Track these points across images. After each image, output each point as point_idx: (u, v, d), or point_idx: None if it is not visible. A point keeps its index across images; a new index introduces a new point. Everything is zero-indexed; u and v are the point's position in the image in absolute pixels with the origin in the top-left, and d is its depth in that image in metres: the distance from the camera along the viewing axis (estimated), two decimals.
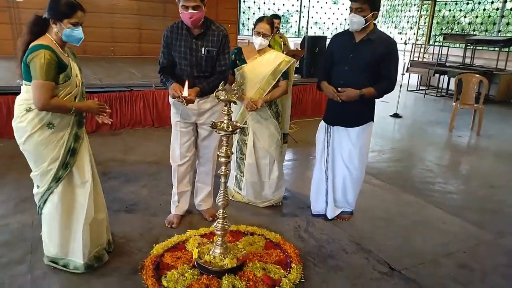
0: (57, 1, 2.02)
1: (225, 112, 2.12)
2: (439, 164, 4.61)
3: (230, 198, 3.24)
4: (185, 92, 2.30)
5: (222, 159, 2.20)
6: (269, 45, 3.08)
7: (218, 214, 2.30)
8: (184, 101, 2.39)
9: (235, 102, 2.17)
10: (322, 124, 2.97)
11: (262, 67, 2.93)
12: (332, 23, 12.68)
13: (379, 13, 2.76)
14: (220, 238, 2.33)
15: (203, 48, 2.56)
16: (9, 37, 7.39)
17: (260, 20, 2.92)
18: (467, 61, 9.37)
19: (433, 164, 4.56)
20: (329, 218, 3.02)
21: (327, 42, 6.77)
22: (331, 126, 2.91)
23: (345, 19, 12.75)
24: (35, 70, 1.95)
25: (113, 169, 3.84)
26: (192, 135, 2.80)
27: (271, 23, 2.91)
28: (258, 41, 2.88)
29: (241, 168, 3.14)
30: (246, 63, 2.96)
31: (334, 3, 12.71)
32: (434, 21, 10.70)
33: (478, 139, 5.70)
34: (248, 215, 3.03)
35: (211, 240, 2.52)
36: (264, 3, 11.40)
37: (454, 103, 6.10)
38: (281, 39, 5.33)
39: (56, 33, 2.04)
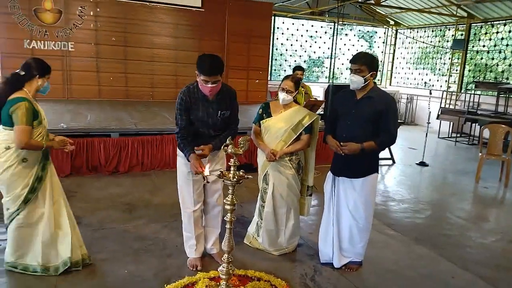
0: (41, 62, 2.70)
1: (231, 164, 2.34)
2: (459, 216, 4.55)
3: (248, 243, 3.41)
4: (207, 171, 2.51)
5: (228, 207, 2.39)
6: (295, 100, 3.32)
7: (223, 259, 2.46)
8: (204, 178, 2.60)
9: (240, 154, 2.38)
10: (329, 174, 3.13)
11: (284, 121, 3.16)
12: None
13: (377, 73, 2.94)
14: (224, 282, 2.48)
15: (218, 112, 2.82)
16: (60, 82, 8.16)
17: (286, 77, 3.21)
18: (500, 109, 9.23)
19: (453, 216, 4.52)
20: (336, 267, 3.10)
21: None
22: (336, 177, 3.06)
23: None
24: (17, 118, 2.51)
25: (140, 209, 4.12)
26: (202, 182, 3.03)
27: (296, 81, 3.18)
28: (282, 97, 3.15)
29: (262, 215, 3.31)
30: (271, 116, 3.22)
31: (370, 47, 13.00)
32: (467, 69, 10.69)
33: (505, 191, 5.57)
34: (259, 260, 3.16)
35: (218, 283, 2.67)
36: (296, 50, 11.87)
37: (480, 154, 6.03)
38: (303, 89, 5.60)
39: (36, 86, 2.67)
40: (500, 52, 9.84)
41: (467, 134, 9.75)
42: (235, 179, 2.31)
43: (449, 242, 3.76)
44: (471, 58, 10.64)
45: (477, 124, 8.98)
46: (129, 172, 5.39)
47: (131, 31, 8.59)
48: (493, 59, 10.04)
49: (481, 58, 10.36)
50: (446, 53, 11.41)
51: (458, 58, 10.83)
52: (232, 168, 2.34)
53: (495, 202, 5.19)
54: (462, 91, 10.55)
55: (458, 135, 9.67)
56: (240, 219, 3.98)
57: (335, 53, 10.66)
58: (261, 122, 3.27)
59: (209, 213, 3.13)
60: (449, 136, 9.87)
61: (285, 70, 11.77)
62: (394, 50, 12.97)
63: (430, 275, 3.11)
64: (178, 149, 2.95)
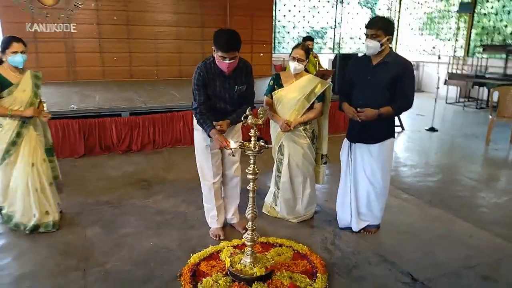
0: (3, 39, 3.01)
1: (252, 134, 2.37)
2: (471, 178, 4.60)
3: (266, 212, 3.48)
4: (233, 145, 2.50)
5: (250, 176, 2.44)
6: (306, 69, 3.31)
7: (248, 226, 2.53)
8: (232, 152, 2.58)
9: (260, 125, 2.41)
10: (345, 141, 3.16)
11: (296, 91, 3.17)
12: (359, 38, 12.73)
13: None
14: (249, 249, 2.56)
15: (235, 87, 2.82)
16: (64, 65, 8.14)
17: (295, 46, 3.19)
18: (509, 71, 9.12)
19: (466, 178, 4.56)
20: (355, 230, 3.17)
21: None
22: (353, 144, 3.09)
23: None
24: None
25: (156, 185, 4.19)
26: (220, 154, 3.07)
27: (306, 50, 3.16)
28: (293, 66, 3.14)
29: (278, 185, 3.36)
30: (283, 87, 3.22)
31: (373, 15, 12.79)
32: (473, 32, 10.50)
33: None
34: (279, 228, 3.23)
35: (242, 250, 2.75)
36: (299, 21, 11.69)
37: (490, 116, 6.02)
38: (316, 59, 5.57)
39: (5, 61, 2.98)
40: (509, 13, 9.64)
41: (474, 98, 9.69)
42: (256, 149, 2.36)
43: (463, 203, 3.82)
44: (478, 21, 10.44)
45: (485, 87, 8.91)
46: (141, 150, 5.44)
47: (132, 9, 8.50)
48: (501, 20, 9.84)
49: (489, 21, 10.16)
50: (452, 17, 11.19)
51: (464, 22, 10.64)
52: (252, 139, 2.38)
53: (506, 163, 5.22)
54: (469, 55, 10.41)
55: (466, 100, 9.61)
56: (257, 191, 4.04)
57: (339, 23, 10.50)
58: (273, 93, 3.27)
59: (228, 185, 3.18)
60: (457, 101, 9.82)
61: (288, 43, 11.64)
62: (399, 17, 12.72)
63: (446, 235, 3.17)
64: (196, 124, 2.97)
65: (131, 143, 5.43)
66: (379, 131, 2.96)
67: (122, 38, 8.53)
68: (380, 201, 3.12)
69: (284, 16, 11.50)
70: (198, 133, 2.99)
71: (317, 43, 12.42)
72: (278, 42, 11.57)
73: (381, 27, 2.78)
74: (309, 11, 11.79)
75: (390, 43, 2.87)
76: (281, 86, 3.25)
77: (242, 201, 3.33)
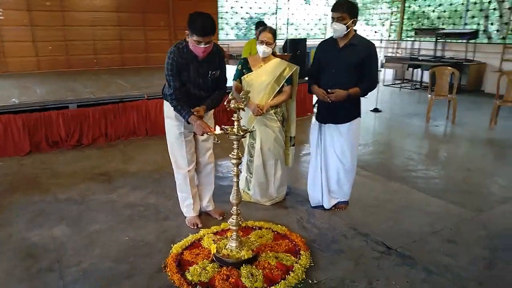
0: None
1: (235, 119, 2.37)
2: (419, 153, 4.98)
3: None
4: (218, 130, 2.37)
5: (234, 161, 2.45)
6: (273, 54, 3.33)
7: (232, 211, 2.54)
8: (215, 138, 2.44)
9: (243, 109, 2.41)
10: (315, 122, 3.26)
11: (266, 74, 3.19)
12: (308, 24, 13.04)
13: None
14: (235, 233, 2.58)
15: (209, 72, 2.77)
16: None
17: (263, 29, 3.20)
18: (438, 53, 9.89)
19: (414, 154, 4.92)
20: (327, 208, 3.31)
21: (307, 43, 7.07)
22: (323, 124, 3.20)
23: (319, 19, 13.14)
24: None
25: (118, 179, 4.02)
26: (193, 141, 3.03)
27: (274, 32, 3.17)
28: (262, 49, 3.14)
29: (251, 169, 3.38)
30: (252, 71, 3.22)
31: (306, 2, 13.03)
32: (405, 17, 11.19)
33: (453, 127, 6.12)
34: (254, 212, 3.27)
35: (225, 236, 2.76)
36: (242, 7, 11.64)
37: (429, 95, 6.51)
38: None
39: None
40: None
41: (409, 80, 10.39)
42: (240, 133, 2.36)
43: (416, 176, 4.13)
44: (409, 6, 11.14)
45: (419, 69, 9.58)
46: (93, 144, 5.17)
47: None
48: (429, 5, 10.59)
49: (419, 6, 10.88)
50: (384, 2, 11.82)
51: (397, 7, 11.29)
52: (235, 123, 2.37)
53: (447, 138, 5.70)
54: (403, 39, 11.09)
55: (402, 82, 10.27)
56: (223, 177, 4.04)
57: (280, 8, 10.62)
58: (242, 78, 3.27)
59: (202, 172, 3.15)
60: (393, 83, 10.46)
61: (232, 28, 11.57)
62: None
63: (408, 205, 3.43)
64: (168, 112, 2.89)
65: (81, 137, 5.13)
66: (348, 111, 3.09)
67: (56, 25, 7.94)
68: (349, 178, 3.27)
69: (226, 1, 11.39)
70: (171, 121, 2.92)
71: (252, 29, 12.42)
72: (221, 29, 11.46)
73: (347, 10, 2.88)
74: None
75: (355, 25, 2.98)
76: (249, 70, 3.26)
77: (216, 187, 3.33)
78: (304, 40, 6.76)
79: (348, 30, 2.92)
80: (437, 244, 2.80)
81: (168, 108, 2.91)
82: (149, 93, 5.68)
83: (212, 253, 2.57)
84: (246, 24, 12.23)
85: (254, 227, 3.01)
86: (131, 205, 3.44)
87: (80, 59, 8.33)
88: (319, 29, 13.29)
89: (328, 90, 2.99)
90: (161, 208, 3.38)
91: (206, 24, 2.56)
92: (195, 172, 3.12)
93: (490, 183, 3.97)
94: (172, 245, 2.75)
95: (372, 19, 12.31)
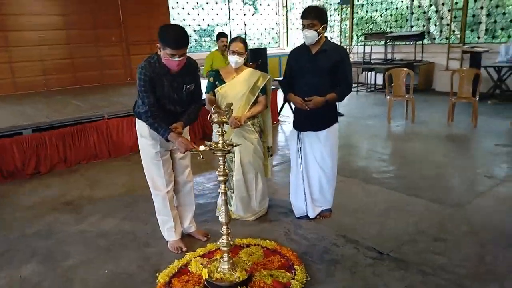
0: None
1: (219, 133, 2.26)
2: (388, 154, 5.09)
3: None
4: (202, 147, 2.27)
5: (221, 178, 2.33)
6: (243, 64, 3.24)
7: (222, 231, 2.42)
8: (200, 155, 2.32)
9: (227, 123, 2.30)
10: (293, 131, 3.22)
11: (240, 85, 3.10)
12: (261, 33, 13.11)
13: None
14: (226, 254, 2.44)
15: (184, 86, 2.64)
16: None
17: (233, 40, 3.12)
18: (389, 56, 10.29)
19: (383, 155, 5.02)
20: (311, 217, 3.25)
21: (267, 53, 7.07)
22: (301, 132, 3.16)
23: (272, 28, 13.27)
24: None
25: (86, 207, 3.74)
26: (171, 160, 2.88)
27: (245, 42, 3.10)
28: (234, 59, 3.06)
29: (231, 184, 3.25)
30: (225, 83, 3.11)
31: (254, 14, 13.06)
32: (353, 23, 11.58)
33: (414, 126, 6.34)
34: (240, 228, 3.14)
35: (213, 258, 2.62)
36: (194, 19, 11.51)
37: (388, 97, 6.72)
38: None
39: None
40: (381, 3, 10.83)
41: (363, 83, 10.71)
42: (226, 148, 2.25)
43: (391, 176, 4.19)
44: (356, 12, 11.54)
45: (373, 72, 9.90)
46: (52, 171, 4.81)
47: (5, 13, 7.40)
48: (376, 10, 11.03)
49: (366, 11, 11.30)
50: (334, 9, 12.17)
51: (346, 13, 11.65)
52: (220, 138, 2.26)
53: (410, 136, 5.86)
54: (354, 44, 11.45)
55: (356, 85, 10.57)
56: (198, 194, 3.89)
57: (233, 19, 10.61)
58: (216, 90, 3.16)
59: (181, 191, 2.99)
60: None
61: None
62: (287, 12, 13.36)
63: (389, 207, 3.45)
64: (142, 131, 2.72)
65: (38, 165, 4.75)
66: (326, 117, 3.08)
67: None
68: (331, 185, 3.25)
69: (178, 14, 11.21)
70: (145, 140, 2.74)
71: (205, 41, 12.27)
72: None
73: (317, 16, 2.87)
74: (202, 8, 11.66)
75: (325, 31, 2.98)
76: (222, 82, 3.16)
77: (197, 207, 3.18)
78: (265, 49, 6.79)
79: (319, 36, 2.91)
80: (426, 244, 2.82)
81: (141, 127, 2.74)
82: (109, 112, 5.40)
83: (203, 278, 2.42)
84: (199, 36, 12.08)
85: (241, 245, 2.89)
86: (105, 234, 3.19)
87: (27, 81, 7.80)
88: (272, 38, 13.43)
89: (305, 98, 2.96)
90: (138, 234, 3.17)
91: (179, 36, 2.44)
92: (173, 192, 2.96)
93: (461, 178, 4.11)
94: (157, 274, 2.57)
95: None
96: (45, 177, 4.63)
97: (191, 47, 11.83)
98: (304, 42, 3.00)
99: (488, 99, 7.71)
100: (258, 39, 12.95)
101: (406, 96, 6.67)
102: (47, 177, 4.63)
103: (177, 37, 2.42)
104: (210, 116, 2.25)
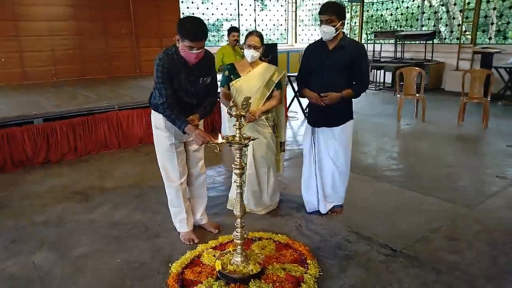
0: None
1: (237, 127, 2.25)
2: (398, 152, 5.06)
3: (232, 208, 3.33)
4: (220, 139, 2.24)
5: (237, 171, 2.32)
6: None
7: (236, 224, 2.41)
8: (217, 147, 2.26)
9: (244, 116, 2.29)
10: (308, 127, 3.20)
11: (256, 79, 3.08)
12: (270, 29, 13.07)
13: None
14: (239, 247, 2.44)
15: (200, 78, 2.62)
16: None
17: (250, 34, 3.10)
18: (398, 55, 10.23)
19: (394, 153, 5.00)
20: (323, 213, 3.24)
21: (280, 48, 7.03)
22: (316, 128, 3.14)
23: (281, 25, 13.21)
24: None
25: (96, 196, 3.75)
26: (185, 152, 2.87)
27: (261, 36, 3.08)
28: (250, 54, 3.04)
29: (243, 178, 3.23)
30: (240, 77, 3.10)
31: (262, 10, 13.00)
32: (363, 21, 11.51)
33: (424, 125, 6.30)
34: (249, 222, 3.11)
35: (225, 250, 2.61)
36: (203, 14, 11.49)
37: (398, 95, 6.67)
38: (243, 50, 5.46)
39: None
40: (392, 2, 10.76)
41: (371, 81, 10.65)
42: (243, 142, 2.24)
43: (403, 175, 4.17)
44: (367, 10, 11.46)
45: (382, 70, 9.85)
46: (62, 160, 4.82)
47: (19, 2, 7.42)
48: (387, 9, 10.95)
49: (377, 10, 11.23)
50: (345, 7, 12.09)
51: (355, 11, 11.58)
52: (237, 131, 2.25)
53: (420, 135, 5.82)
54: (363, 42, 11.38)
55: None
56: (209, 187, 3.88)
57: (241, 14, 10.56)
58: (231, 84, 3.15)
59: (194, 184, 2.99)
60: None
61: None
62: (296, 8, 13.30)
63: (402, 205, 3.43)
64: (157, 122, 2.71)
65: (48, 154, 4.77)
66: (341, 113, 3.05)
67: (9, 35, 7.41)
68: (344, 181, 3.23)
69: (187, 8, 11.19)
70: (161, 132, 2.73)
71: (213, 36, 12.25)
72: None
73: (335, 12, 2.84)
74: (212, 3, 11.63)
75: (343, 27, 2.95)
76: (237, 75, 3.15)
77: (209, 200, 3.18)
78: (275, 45, 6.76)
79: (337, 32, 2.88)
80: (439, 242, 2.80)
81: (157, 119, 2.73)
82: (119, 103, 5.40)
83: (217, 270, 2.42)
84: (208, 30, 12.06)
85: (253, 238, 2.88)
86: (116, 224, 3.20)
87: (37, 70, 7.81)
88: (281, 34, 13.38)
89: (321, 94, 2.94)
90: (150, 225, 3.17)
91: (199, 28, 2.42)
92: (186, 184, 2.95)
93: (472, 178, 4.08)
94: (170, 264, 2.57)
95: None
96: (55, 167, 4.65)
97: None
98: (321, 38, 2.97)
99: (498, 100, 7.65)
100: (266, 35, 12.90)
101: (417, 95, 6.63)
102: (57, 167, 4.64)
103: (196, 29, 2.40)
104: (230, 109, 2.23)
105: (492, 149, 5.03)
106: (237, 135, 2.25)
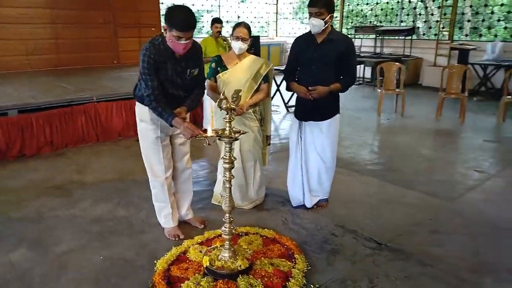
0: None
1: (227, 120, 2.20)
2: (380, 146, 5.13)
3: (217, 203, 3.31)
4: (210, 132, 2.19)
5: (226, 165, 2.28)
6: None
7: (225, 219, 2.37)
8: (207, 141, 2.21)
9: (234, 109, 2.25)
10: (295, 121, 3.18)
11: (243, 72, 3.03)
12: (251, 22, 12.98)
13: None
14: (227, 242, 2.41)
15: (188, 70, 2.56)
16: None
17: (237, 25, 3.04)
18: (378, 50, 10.35)
19: (376, 147, 5.07)
20: (308, 207, 3.25)
21: (260, 41, 6.97)
22: (303, 122, 3.13)
23: (255, 17, 13.10)
24: None
25: (76, 191, 3.63)
26: (170, 146, 2.81)
27: (249, 28, 3.03)
28: (238, 46, 2.99)
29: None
30: (227, 69, 3.04)
31: (242, 1, 12.88)
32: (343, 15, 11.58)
33: (403, 120, 6.41)
34: (236, 217, 3.06)
35: (211, 246, 2.58)
36: (183, 4, 11.26)
37: (379, 90, 6.76)
38: (225, 42, 5.41)
39: None
40: None
41: None
42: (234, 136, 2.20)
43: (384, 169, 4.23)
44: (348, 4, 11.53)
45: (362, 65, 9.93)
46: (38, 154, 4.65)
47: None
48: (367, 4, 11.05)
49: (357, 4, 11.31)
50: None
51: (336, 6, 11.62)
52: (227, 125, 2.21)
53: (401, 129, 5.91)
54: None
55: None
56: (195, 182, 3.82)
57: (219, 6, 10.44)
58: (218, 76, 3.09)
59: (179, 178, 2.93)
60: None
61: None
62: (277, 1, 13.25)
63: (385, 199, 3.48)
64: (142, 115, 2.64)
65: (23, 147, 4.59)
66: (329, 107, 3.05)
67: None
68: (330, 175, 3.24)
69: None
70: (146, 125, 2.66)
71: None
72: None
73: (324, 5, 2.82)
74: None
75: (332, 20, 2.94)
76: (224, 68, 3.09)
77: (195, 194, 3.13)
78: (258, 37, 6.69)
79: (326, 25, 2.87)
80: (422, 235, 2.86)
81: (141, 111, 2.66)
82: (98, 95, 5.25)
83: (204, 266, 2.38)
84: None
85: (240, 233, 2.85)
86: (98, 220, 3.11)
87: (8, 60, 7.50)
88: (262, 27, 13.31)
89: (309, 87, 2.92)
90: (133, 221, 3.09)
91: (188, 17, 2.35)
92: (171, 179, 2.89)
93: (452, 172, 4.17)
94: (155, 261, 2.51)
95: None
96: (30, 160, 4.48)
97: None
98: (310, 31, 2.95)
99: (474, 96, 7.86)
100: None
101: (397, 90, 6.73)
102: (33, 160, 4.48)
103: (185, 18, 2.33)
104: (220, 102, 2.19)
105: (470, 144, 5.16)
106: (227, 128, 2.21)
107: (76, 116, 4.98)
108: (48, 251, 2.66)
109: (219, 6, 11.98)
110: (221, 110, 2.21)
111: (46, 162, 4.43)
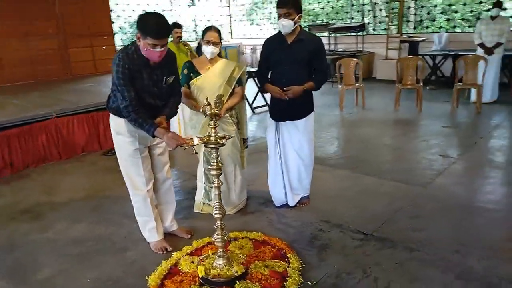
0: None
1: (211, 126, 2.18)
2: (347, 140, 5.28)
3: (199, 211, 3.26)
4: (196, 141, 2.17)
5: (214, 172, 2.26)
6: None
7: (216, 226, 2.35)
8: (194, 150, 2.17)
9: (219, 115, 2.23)
10: (271, 121, 3.20)
11: (216, 76, 3.01)
12: (196, 26, 12.85)
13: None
14: (221, 249, 2.38)
15: (163, 78, 2.50)
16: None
17: (208, 29, 3.01)
18: (332, 47, 10.64)
19: (343, 141, 5.21)
20: (292, 206, 3.28)
21: None
22: (279, 123, 3.16)
23: (208, 20, 13.04)
24: None
25: (48, 214, 3.44)
26: (149, 157, 2.74)
27: (219, 32, 3.01)
28: (209, 50, 2.96)
29: (210, 179, 3.16)
30: (200, 74, 3.00)
31: (190, 6, 12.74)
32: None
33: (365, 112, 6.64)
34: None
35: (203, 255, 2.54)
36: (134, 10, 11.00)
37: (339, 86, 6.94)
38: (186, 47, 5.33)
39: None
40: None
41: None
42: (220, 142, 2.18)
43: (356, 161, 4.35)
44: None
45: None
46: None
47: None
48: (319, 3, 11.32)
49: (309, 3, 11.56)
50: (271, 2, 12.27)
51: None
52: (213, 131, 2.19)
53: (363, 122, 6.10)
54: None
55: None
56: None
57: (175, 10, 10.29)
58: (191, 82, 3.05)
59: (161, 189, 2.85)
60: None
61: (126, 33, 10.84)
62: (230, 2, 13.25)
63: (363, 190, 3.58)
64: (118, 128, 2.54)
65: None
66: (304, 106, 3.10)
67: None
68: (309, 172, 3.29)
69: (116, 4, 10.63)
70: (123, 137, 2.57)
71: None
72: (115, 33, 10.65)
73: (293, 5, 2.86)
74: None
75: (300, 20, 2.98)
76: (197, 73, 3.05)
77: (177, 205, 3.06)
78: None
79: (295, 25, 2.91)
80: (404, 222, 2.97)
81: (117, 123, 2.56)
82: (57, 110, 5.00)
83: (199, 276, 2.34)
84: (132, 28, 11.59)
85: (229, 239, 2.83)
86: (76, 241, 2.96)
87: None
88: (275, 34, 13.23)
89: (284, 88, 2.95)
90: (114, 238, 2.98)
91: (162, 24, 2.30)
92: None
93: (419, 158, 4.37)
94: (146, 277, 2.44)
95: (262, 19, 12.69)
96: None
97: (124, 39, 11.37)
98: (279, 32, 2.98)
99: (426, 85, 8.27)
100: (194, 31, 12.68)
101: (356, 84, 6.95)
102: None
103: (159, 26, 2.28)
104: (203, 109, 2.16)
105: (430, 130, 5.43)
106: (213, 134, 2.19)
107: (36, 134, 4.72)
108: (29, 280, 2.50)
109: (171, 10, 11.80)
110: (205, 116, 2.18)
111: (8, 186, 4.16)
